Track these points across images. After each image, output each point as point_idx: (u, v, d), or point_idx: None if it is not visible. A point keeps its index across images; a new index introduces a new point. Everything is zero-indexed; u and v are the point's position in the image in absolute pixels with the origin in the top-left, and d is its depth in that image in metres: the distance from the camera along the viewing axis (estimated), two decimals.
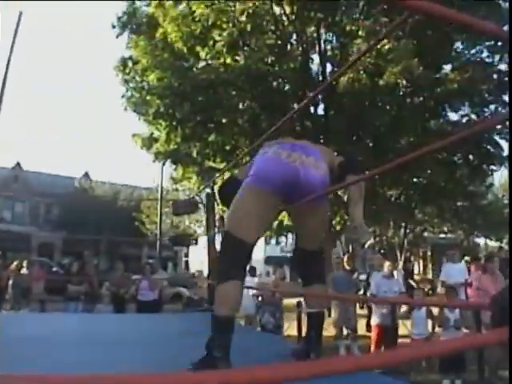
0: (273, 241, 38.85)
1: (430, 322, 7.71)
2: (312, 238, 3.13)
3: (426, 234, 32.48)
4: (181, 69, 13.27)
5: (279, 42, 13.56)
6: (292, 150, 2.74)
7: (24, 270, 11.75)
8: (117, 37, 15.09)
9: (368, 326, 10.20)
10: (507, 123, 1.36)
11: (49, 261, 24.75)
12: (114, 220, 32.01)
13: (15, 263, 11.81)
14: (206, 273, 9.19)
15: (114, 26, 15.00)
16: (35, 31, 72.36)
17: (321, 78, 13.98)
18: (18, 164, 37.44)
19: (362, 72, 12.31)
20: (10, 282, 11.21)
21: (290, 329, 9.67)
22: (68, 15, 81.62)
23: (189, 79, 12.68)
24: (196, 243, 30.96)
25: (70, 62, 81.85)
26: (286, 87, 13.94)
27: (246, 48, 13.05)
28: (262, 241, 36.27)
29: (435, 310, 7.64)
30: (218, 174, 12.10)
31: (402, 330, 8.78)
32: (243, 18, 12.47)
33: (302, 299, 8.29)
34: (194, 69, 13.56)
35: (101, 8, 75.36)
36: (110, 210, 32.77)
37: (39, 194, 36.05)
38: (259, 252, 38.96)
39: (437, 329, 7.45)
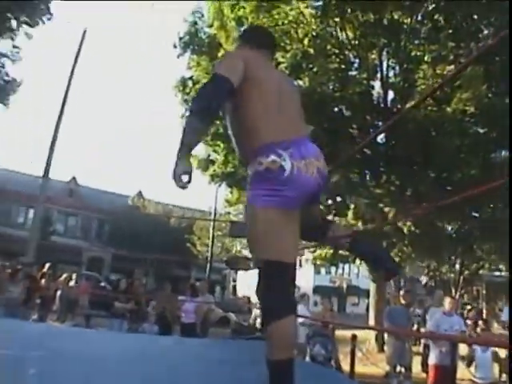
0: (323, 270, 38.28)
1: (495, 366, 7.13)
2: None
3: (481, 271, 31.35)
4: None
5: (342, 67, 13.31)
6: (303, 157, 2.39)
7: (72, 283, 11.71)
8: (178, 57, 15.15)
9: (424, 365, 9.62)
10: None
11: (97, 275, 24.88)
12: (164, 240, 32.05)
13: (64, 275, 11.82)
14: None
15: (175, 46, 15.07)
16: (97, 49, 74.54)
17: (382, 105, 13.65)
18: (74, 178, 38.21)
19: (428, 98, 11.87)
20: (58, 293, 11.18)
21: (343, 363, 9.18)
22: (130, 34, 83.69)
23: None
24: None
25: (128, 81, 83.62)
26: (347, 112, 13.62)
27: (309, 71, 12.81)
28: (311, 270, 35.73)
29: (502, 353, 7.06)
30: None
31: (462, 373, 8.18)
32: (306, 41, 12.29)
33: (356, 332, 7.86)
34: None
35: (161, 29, 77.08)
36: (161, 229, 32.88)
37: (92, 210, 36.58)
38: (309, 281, 38.40)
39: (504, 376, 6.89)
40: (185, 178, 2.27)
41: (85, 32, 17.73)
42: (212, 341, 8.46)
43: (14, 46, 14.46)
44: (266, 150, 2.35)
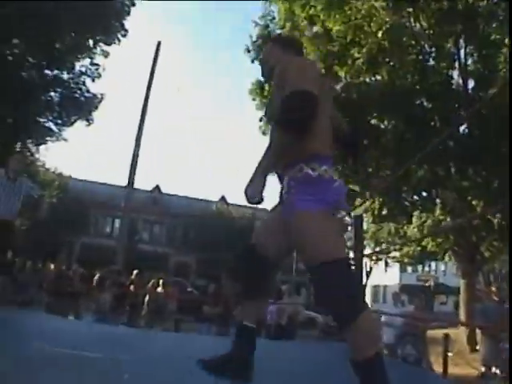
0: (409, 269, 37.42)
1: None
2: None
3: None
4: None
5: (419, 58, 12.92)
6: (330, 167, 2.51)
7: (160, 289, 11.90)
8: (252, 61, 15.17)
9: None
10: None
11: (184, 281, 25.27)
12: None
13: (152, 282, 12.02)
14: None
15: (249, 51, 15.10)
16: (170, 58, 76.14)
17: (463, 94, 13.12)
18: (158, 187, 39.15)
19: None
20: (146, 299, 11.41)
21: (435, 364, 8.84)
22: (200, 42, 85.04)
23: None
24: None
25: (204, 88, 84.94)
26: (428, 104, 13.19)
27: (386, 65, 12.51)
28: (397, 268, 34.96)
29: None
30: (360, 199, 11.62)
31: None
32: (380, 35, 12.01)
33: (448, 331, 7.55)
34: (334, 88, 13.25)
35: (232, 34, 77.85)
36: (246, 233, 33.05)
37: (177, 216, 37.30)
38: (395, 280, 37.60)
39: None
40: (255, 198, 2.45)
41: (159, 44, 18.12)
42: (300, 342, 8.38)
43: (93, 64, 14.89)
44: (318, 159, 2.45)
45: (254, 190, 2.43)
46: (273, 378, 3.21)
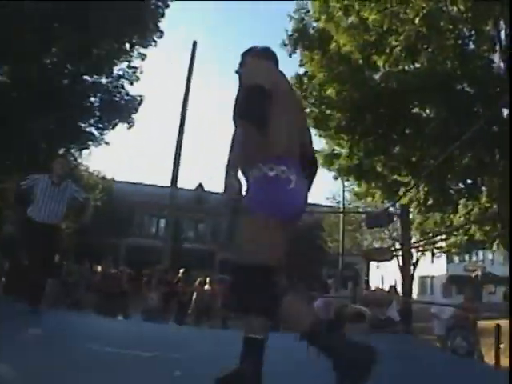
0: (456, 259, 36.75)
1: None
2: None
3: None
4: (359, 80, 12.83)
5: (459, 42, 12.62)
6: (293, 174, 2.56)
7: (207, 287, 11.99)
8: (290, 55, 15.07)
9: None
10: None
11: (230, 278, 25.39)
12: (294, 238, 32.09)
13: (199, 280, 12.12)
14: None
15: (285, 44, 15.01)
16: (206, 57, 76.53)
17: (505, 78, 12.74)
18: (201, 185, 39.44)
19: None
20: (194, 297, 11.50)
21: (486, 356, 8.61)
22: (237, 39, 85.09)
23: (369, 90, 12.22)
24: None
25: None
26: (470, 89, 12.87)
27: (425, 51, 12.25)
28: (444, 259, 34.36)
29: None
30: (404, 188, 11.47)
31: None
32: (417, 21, 11.77)
33: (500, 322, 7.38)
34: (373, 78, 13.07)
35: (268, 29, 77.58)
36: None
37: (221, 214, 37.49)
38: (442, 270, 37.02)
39: None
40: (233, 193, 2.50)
41: (195, 44, 18.21)
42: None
43: (130, 67, 15.03)
44: (277, 160, 2.53)
45: (234, 184, 2.47)
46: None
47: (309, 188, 2.79)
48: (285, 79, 2.92)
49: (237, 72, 2.93)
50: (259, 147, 2.55)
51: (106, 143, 15.16)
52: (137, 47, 15.14)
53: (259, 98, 2.44)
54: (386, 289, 12.92)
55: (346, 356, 2.26)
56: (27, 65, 11.91)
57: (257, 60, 2.87)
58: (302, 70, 14.86)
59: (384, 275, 38.37)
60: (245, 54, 3.03)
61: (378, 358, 2.27)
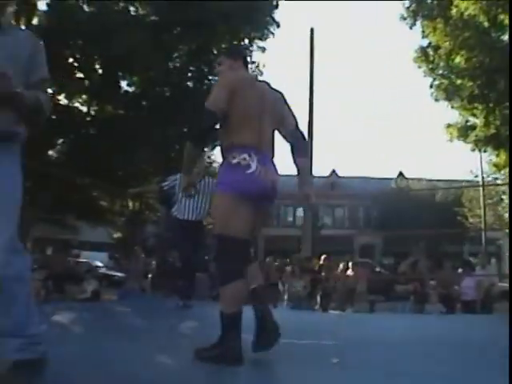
0: None
1: None
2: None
3: None
4: (487, 43, 12.17)
5: None
6: (265, 168, 3.09)
7: (349, 272, 11.97)
8: (410, 28, 14.63)
9: None
10: None
11: (371, 261, 25.09)
12: (432, 217, 31.11)
13: (341, 265, 12.12)
14: None
15: (404, 18, 14.58)
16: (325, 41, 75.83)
17: None
18: (334, 171, 39.37)
19: None
20: (337, 283, 11.52)
21: None
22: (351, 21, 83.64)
23: (499, 52, 11.55)
24: None
25: (365, 64, 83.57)
26: None
27: None
28: None
29: None
30: None
31: None
32: None
33: None
34: (501, 40, 12.35)
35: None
36: (428, 207, 31.99)
37: (357, 198, 37.23)
38: None
39: None
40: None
41: (312, 31, 18.10)
42: (498, 316, 7.87)
43: (252, 62, 15.22)
44: (239, 149, 3.03)
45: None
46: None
47: (304, 154, 3.42)
48: (249, 77, 3.65)
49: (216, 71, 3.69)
50: (223, 142, 3.17)
51: None
52: (256, 41, 15.35)
53: (209, 122, 3.03)
54: None
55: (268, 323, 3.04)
56: (155, 73, 12.46)
57: (225, 67, 3.41)
58: (425, 42, 14.36)
59: None
60: (221, 55, 3.89)
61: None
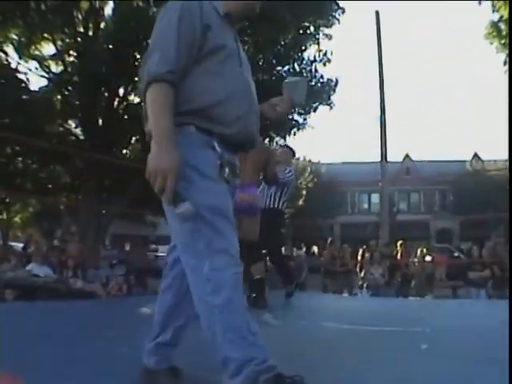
0: None
1: None
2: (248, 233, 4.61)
3: None
4: None
5: None
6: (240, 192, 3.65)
7: (428, 257, 11.79)
8: (480, 3, 14.15)
9: None
10: None
11: (449, 246, 24.54)
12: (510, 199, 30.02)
13: (419, 250, 11.93)
14: None
15: None
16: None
17: None
18: (408, 156, 38.70)
19: None
20: (416, 269, 11.37)
21: None
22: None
23: None
24: None
25: (433, 46, 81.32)
26: None
27: None
28: None
29: None
30: None
31: None
32: None
33: None
34: None
35: None
36: (505, 188, 30.92)
37: (432, 182, 36.47)
38: None
39: None
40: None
41: (378, 14, 17.82)
42: None
43: (320, 50, 15.10)
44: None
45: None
46: None
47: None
48: None
49: None
50: None
51: (312, 127, 15.47)
52: (322, 28, 15.19)
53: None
54: None
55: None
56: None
57: None
58: (496, 17, 13.87)
59: None
60: None
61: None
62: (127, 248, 15.11)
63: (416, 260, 11.69)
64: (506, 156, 35.05)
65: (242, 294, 1.81)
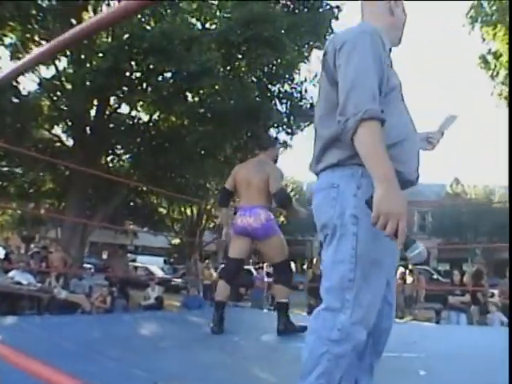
0: None
1: None
2: (269, 256, 4.86)
3: None
4: None
5: None
6: (243, 215, 4.66)
7: (409, 279, 11.83)
8: (469, 33, 14.27)
9: None
10: None
11: (428, 268, 24.72)
12: (489, 224, 30.39)
13: (400, 272, 11.96)
14: None
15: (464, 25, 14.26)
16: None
17: None
18: None
19: None
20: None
21: None
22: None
23: None
24: None
25: (429, 64, 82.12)
26: None
27: None
28: None
29: None
30: None
31: None
32: None
33: None
34: None
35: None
36: (485, 213, 31.31)
37: (411, 203, 36.62)
38: None
39: None
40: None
41: None
42: None
43: (310, 72, 15.13)
44: (239, 209, 4.86)
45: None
46: None
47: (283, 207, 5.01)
48: (248, 160, 5.50)
49: None
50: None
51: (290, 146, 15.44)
52: (315, 50, 15.28)
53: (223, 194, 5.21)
54: None
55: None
56: (220, 86, 12.51)
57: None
58: (485, 49, 14.08)
59: None
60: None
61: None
62: (104, 256, 14.93)
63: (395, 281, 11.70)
64: (485, 182, 35.48)
65: (357, 361, 1.81)
